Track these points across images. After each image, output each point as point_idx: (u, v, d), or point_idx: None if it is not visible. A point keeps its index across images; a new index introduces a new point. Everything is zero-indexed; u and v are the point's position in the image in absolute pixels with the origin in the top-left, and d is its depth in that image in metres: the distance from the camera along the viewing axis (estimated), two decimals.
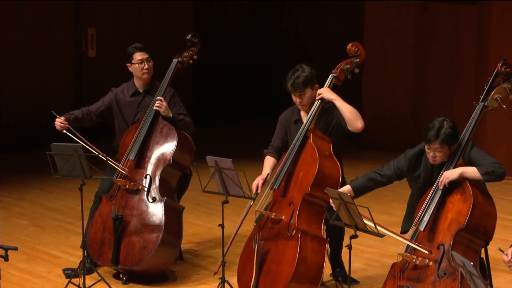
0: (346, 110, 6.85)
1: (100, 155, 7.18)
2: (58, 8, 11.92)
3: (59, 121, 7.48)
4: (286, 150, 7.05)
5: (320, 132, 6.91)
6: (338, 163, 6.78)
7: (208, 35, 13.08)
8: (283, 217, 6.70)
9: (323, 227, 6.79)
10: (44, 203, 9.70)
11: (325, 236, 6.77)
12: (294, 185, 6.75)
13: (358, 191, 6.48)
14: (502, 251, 5.55)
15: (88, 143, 7.20)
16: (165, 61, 7.83)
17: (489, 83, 6.40)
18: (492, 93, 6.36)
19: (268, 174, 7.00)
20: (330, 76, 6.99)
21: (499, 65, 6.38)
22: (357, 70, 7.05)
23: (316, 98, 6.91)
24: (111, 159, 7.31)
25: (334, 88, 6.96)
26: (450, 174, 6.12)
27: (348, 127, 6.89)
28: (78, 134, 7.31)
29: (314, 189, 6.61)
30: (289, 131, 7.09)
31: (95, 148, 7.18)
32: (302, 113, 7.03)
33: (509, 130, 10.54)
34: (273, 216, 6.72)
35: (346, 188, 6.45)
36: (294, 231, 6.60)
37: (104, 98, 7.76)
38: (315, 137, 6.81)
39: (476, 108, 6.36)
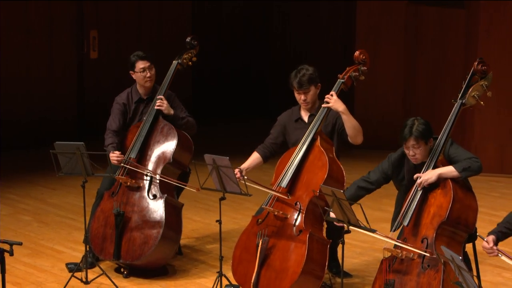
0: (351, 125, 6.80)
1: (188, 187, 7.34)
2: (61, 11, 11.89)
3: (115, 156, 7.34)
4: (278, 149, 7.03)
5: (325, 135, 6.87)
6: (342, 167, 6.75)
7: (207, 37, 13.07)
8: (288, 216, 6.66)
9: (324, 226, 6.80)
10: (47, 199, 9.67)
11: (325, 235, 6.78)
12: (301, 186, 6.70)
13: (351, 200, 6.43)
14: (482, 238, 5.56)
15: (150, 171, 7.32)
16: (164, 63, 7.82)
17: (466, 81, 6.41)
18: (469, 90, 6.36)
19: (248, 167, 6.97)
20: (337, 82, 6.87)
21: (475, 63, 6.40)
22: (362, 78, 6.93)
23: (323, 105, 6.82)
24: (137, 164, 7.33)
25: (340, 94, 6.86)
26: (428, 177, 6.11)
27: (349, 139, 6.87)
28: (136, 164, 7.31)
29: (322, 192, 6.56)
30: (288, 130, 7.04)
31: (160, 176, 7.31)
32: (303, 112, 7.00)
33: (496, 130, 10.55)
34: (276, 213, 6.67)
35: None
36: (301, 232, 6.57)
37: (115, 112, 7.60)
38: (322, 140, 6.77)
39: (454, 106, 6.37)
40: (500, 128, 10.54)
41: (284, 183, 6.72)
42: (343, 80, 6.89)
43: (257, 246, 6.63)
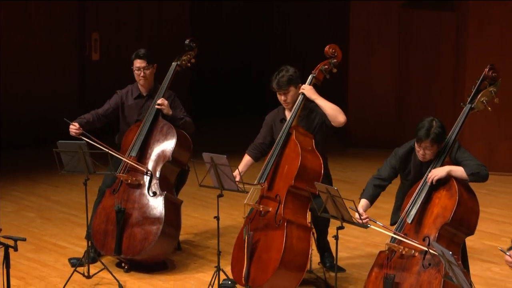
0: (328, 107, 6.97)
1: (119, 155, 7.35)
2: (61, 11, 11.90)
3: (74, 128, 7.49)
4: (268, 148, 7.15)
5: (302, 128, 6.99)
6: (320, 157, 6.85)
7: (207, 37, 13.11)
8: (270, 209, 6.79)
9: (309, 214, 6.89)
10: (50, 197, 9.74)
11: (311, 225, 6.87)
12: (280, 179, 6.83)
13: (373, 200, 6.50)
14: (504, 252, 5.56)
15: (103, 144, 7.27)
16: (164, 63, 7.89)
17: (476, 86, 6.40)
18: (479, 96, 6.37)
19: (242, 171, 7.10)
20: (310, 76, 7.09)
21: (486, 69, 6.39)
22: (334, 70, 7.16)
23: (299, 92, 7.00)
24: (136, 162, 7.42)
25: (314, 88, 7.04)
26: (439, 172, 6.15)
27: (332, 123, 6.99)
28: (92, 137, 7.34)
29: (297, 181, 6.70)
30: (275, 130, 7.16)
31: (109, 148, 7.27)
32: (287, 113, 7.12)
33: (484, 128, 10.59)
34: (261, 209, 6.81)
35: (364, 202, 6.42)
36: (281, 221, 6.68)
37: (110, 100, 7.80)
38: (297, 133, 6.90)
39: (463, 110, 6.38)
40: (488, 127, 10.61)
41: (263, 179, 6.86)
42: (314, 74, 7.11)
43: (244, 241, 6.76)
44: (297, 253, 6.65)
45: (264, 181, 6.87)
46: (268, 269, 6.65)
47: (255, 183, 6.90)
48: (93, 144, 7.26)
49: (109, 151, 7.21)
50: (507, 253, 5.54)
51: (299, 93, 7.00)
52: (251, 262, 6.74)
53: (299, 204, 6.79)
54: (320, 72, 7.13)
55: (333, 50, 7.14)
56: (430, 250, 5.92)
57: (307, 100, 7.01)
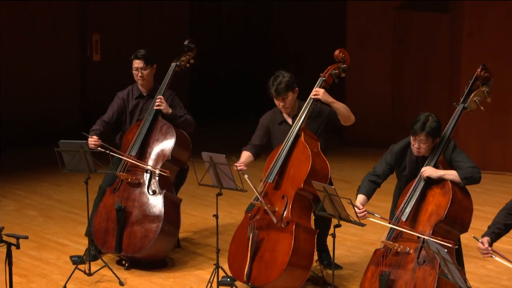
0: (344, 109, 7.04)
1: (122, 156, 7.45)
2: (61, 11, 11.95)
3: (92, 140, 7.48)
4: (264, 149, 7.21)
5: (309, 131, 7.05)
6: (326, 160, 6.93)
7: (207, 37, 13.16)
8: (276, 209, 6.83)
9: (312, 217, 6.95)
10: (52, 195, 9.81)
11: (313, 226, 6.94)
12: (287, 180, 6.86)
13: (369, 196, 6.57)
14: (477, 239, 5.63)
15: (122, 153, 7.44)
16: (164, 63, 7.94)
17: (469, 86, 6.47)
18: (472, 95, 6.44)
19: (246, 163, 7.14)
20: (319, 79, 7.09)
21: (479, 70, 6.46)
22: (343, 75, 7.17)
23: (311, 96, 7.02)
24: (137, 159, 7.51)
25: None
26: (432, 172, 6.22)
27: (343, 123, 7.09)
28: (110, 147, 7.43)
29: (307, 184, 6.72)
30: (273, 132, 7.21)
31: (126, 155, 7.44)
32: (285, 115, 7.18)
33: (479, 126, 10.66)
34: (266, 207, 6.84)
35: (361, 197, 6.49)
36: (288, 223, 6.72)
37: (113, 105, 7.81)
38: (306, 136, 6.94)
39: (457, 109, 6.45)
40: (483, 126, 10.69)
41: (271, 179, 6.90)
42: (324, 78, 7.11)
43: (248, 239, 6.81)
44: (303, 256, 6.70)
45: (272, 181, 6.92)
46: (273, 269, 6.68)
47: (263, 181, 6.93)
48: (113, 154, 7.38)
49: (129, 159, 7.36)
50: (480, 240, 5.64)
51: (311, 97, 7.00)
52: (253, 260, 6.79)
53: (305, 207, 6.84)
54: (330, 76, 7.11)
55: (343, 55, 7.14)
56: (426, 237, 5.97)
57: (315, 100, 7.07)
